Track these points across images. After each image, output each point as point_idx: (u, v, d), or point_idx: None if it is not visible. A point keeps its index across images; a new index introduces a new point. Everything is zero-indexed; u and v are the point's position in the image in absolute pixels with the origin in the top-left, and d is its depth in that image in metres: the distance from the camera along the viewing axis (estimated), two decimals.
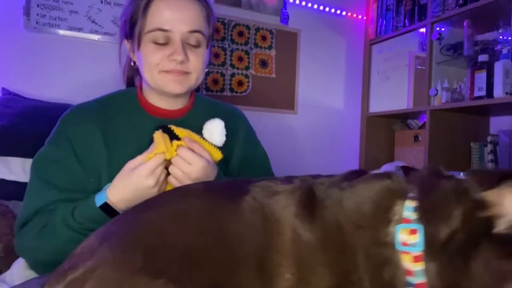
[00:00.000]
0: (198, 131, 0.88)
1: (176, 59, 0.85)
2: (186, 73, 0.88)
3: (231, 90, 2.10)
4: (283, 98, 2.23)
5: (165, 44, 0.85)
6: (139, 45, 0.86)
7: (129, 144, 0.87)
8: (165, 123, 0.85)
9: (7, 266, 0.99)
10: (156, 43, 0.85)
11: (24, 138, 1.30)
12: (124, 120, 0.91)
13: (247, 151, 1.03)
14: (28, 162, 1.31)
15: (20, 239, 0.84)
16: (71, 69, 1.72)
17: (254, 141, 1.09)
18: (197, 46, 0.88)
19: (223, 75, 2.08)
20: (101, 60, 1.77)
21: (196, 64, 0.88)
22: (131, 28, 0.88)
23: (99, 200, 0.78)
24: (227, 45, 2.09)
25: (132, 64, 0.95)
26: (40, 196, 0.84)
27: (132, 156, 0.80)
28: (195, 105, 0.98)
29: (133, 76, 1.02)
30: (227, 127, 0.93)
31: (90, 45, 1.75)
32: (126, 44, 0.94)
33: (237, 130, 1.03)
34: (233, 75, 2.11)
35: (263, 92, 2.17)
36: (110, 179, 0.81)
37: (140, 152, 0.81)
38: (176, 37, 0.85)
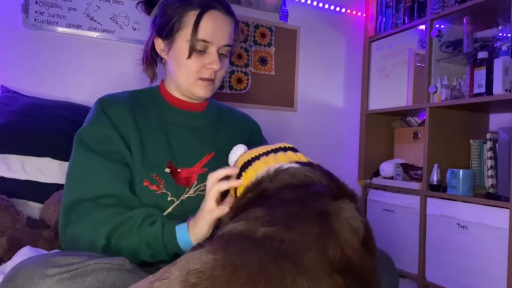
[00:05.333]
0: (214, 124, 1.06)
1: (213, 67, 0.96)
2: (213, 80, 1.00)
3: (231, 87, 2.10)
4: (282, 95, 2.23)
5: (202, 51, 0.95)
6: (190, 53, 0.95)
7: (157, 131, 0.98)
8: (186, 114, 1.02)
9: (10, 258, 1.01)
10: (194, 50, 0.95)
11: (23, 135, 1.30)
12: (151, 109, 1.01)
13: None
14: (28, 159, 1.32)
15: (72, 227, 0.86)
16: (70, 67, 1.71)
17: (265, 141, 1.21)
18: (225, 56, 1.00)
19: None
20: (100, 57, 1.76)
21: (221, 72, 1.01)
22: (175, 32, 0.96)
23: (182, 241, 0.83)
24: None
25: (162, 62, 1.05)
26: (93, 181, 0.87)
27: (160, 142, 0.95)
28: (210, 104, 1.11)
29: (155, 71, 1.10)
30: (240, 128, 1.13)
31: (89, 43, 1.75)
32: (161, 44, 1.01)
33: (252, 131, 1.18)
34: (232, 72, 2.10)
35: (263, 89, 2.17)
36: (143, 161, 0.91)
37: (166, 138, 0.96)
38: (214, 48, 0.96)
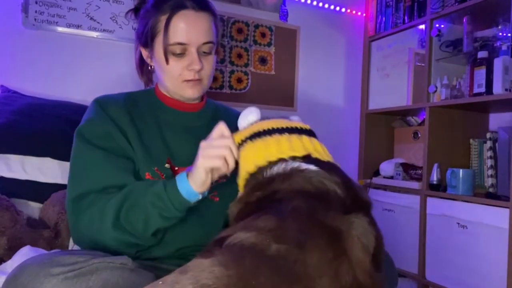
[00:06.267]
0: (211, 123, 1.01)
1: (194, 68, 0.95)
2: (200, 79, 0.99)
3: (230, 87, 2.10)
4: (282, 95, 2.23)
5: (181, 54, 0.95)
6: (166, 59, 0.95)
7: (154, 131, 0.98)
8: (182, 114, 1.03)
9: (11, 258, 1.01)
10: (174, 54, 0.95)
11: (23, 135, 1.30)
12: (147, 111, 1.01)
13: None
14: (28, 159, 1.32)
15: (83, 215, 0.86)
16: (70, 66, 1.71)
17: None
18: (208, 53, 0.99)
19: (222, 72, 2.08)
20: (99, 57, 1.77)
21: (207, 70, 1.00)
22: (151, 39, 0.97)
23: (184, 190, 0.80)
24: (226, 42, 2.08)
25: (149, 68, 1.06)
26: (97, 173, 0.87)
27: (158, 141, 0.96)
28: (207, 103, 1.11)
29: (151, 77, 1.12)
30: (237, 127, 1.08)
31: (89, 42, 1.75)
32: (144, 51, 1.02)
33: None
34: (232, 72, 2.10)
35: (263, 89, 2.17)
36: (144, 155, 0.92)
37: (164, 139, 0.97)
38: (193, 48, 0.95)
